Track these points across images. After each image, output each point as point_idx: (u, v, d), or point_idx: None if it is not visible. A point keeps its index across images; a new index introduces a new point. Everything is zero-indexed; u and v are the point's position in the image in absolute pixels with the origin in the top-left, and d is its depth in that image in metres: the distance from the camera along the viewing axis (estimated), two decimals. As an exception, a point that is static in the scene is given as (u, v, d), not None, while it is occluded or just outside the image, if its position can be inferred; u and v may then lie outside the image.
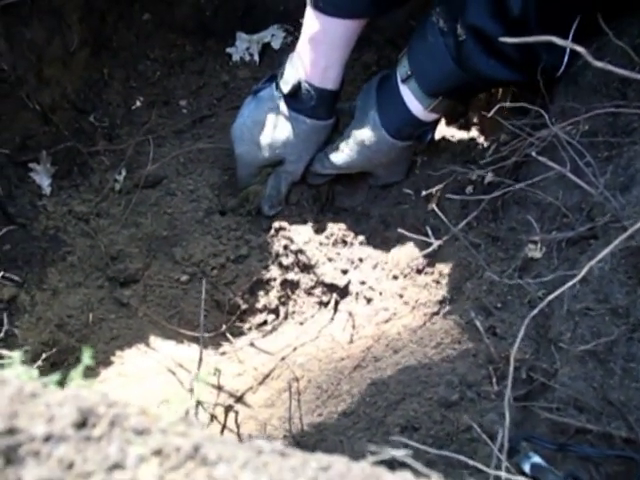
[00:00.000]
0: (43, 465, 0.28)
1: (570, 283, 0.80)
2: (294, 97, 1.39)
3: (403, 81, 1.32)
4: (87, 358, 0.41)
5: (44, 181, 1.48)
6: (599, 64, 0.90)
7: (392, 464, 0.43)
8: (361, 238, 1.45)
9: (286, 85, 1.38)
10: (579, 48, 0.91)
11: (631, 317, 0.95)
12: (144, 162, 1.53)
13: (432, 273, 1.32)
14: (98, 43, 1.57)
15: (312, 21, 1.32)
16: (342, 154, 1.41)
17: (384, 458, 0.36)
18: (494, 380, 1.06)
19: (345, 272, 1.40)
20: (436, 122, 1.39)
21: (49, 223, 1.44)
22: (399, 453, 0.36)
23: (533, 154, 1.06)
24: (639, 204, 0.99)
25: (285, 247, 1.40)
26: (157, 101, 1.63)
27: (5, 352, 0.93)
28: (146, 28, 1.64)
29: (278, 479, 0.33)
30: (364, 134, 1.37)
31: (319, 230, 1.44)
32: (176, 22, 1.68)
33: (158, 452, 0.31)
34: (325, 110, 1.41)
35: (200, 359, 0.98)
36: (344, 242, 1.45)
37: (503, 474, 0.69)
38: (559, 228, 1.15)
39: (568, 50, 1.13)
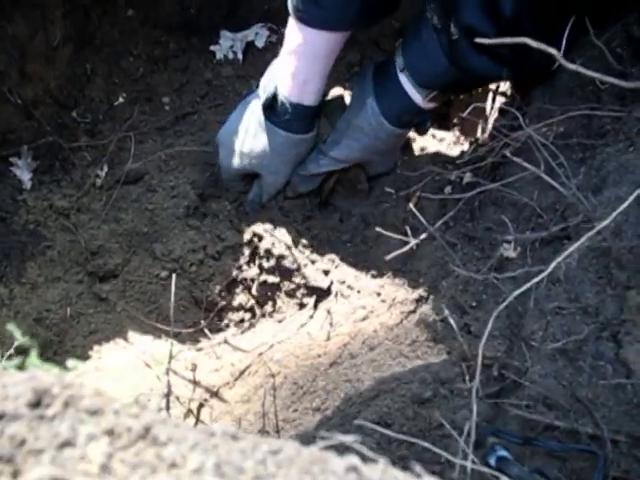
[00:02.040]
0: (-6, 442, 0.30)
1: (536, 279, 0.82)
2: (270, 108, 1.38)
3: (402, 70, 1.31)
4: (28, 342, 0.42)
5: (25, 175, 1.49)
6: (572, 66, 0.92)
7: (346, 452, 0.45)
8: (343, 237, 1.47)
9: (263, 95, 1.38)
10: (552, 50, 0.93)
11: (600, 316, 0.97)
12: (125, 158, 1.54)
13: (410, 272, 1.33)
14: (81, 39, 1.58)
15: (294, 33, 1.31)
16: (339, 145, 1.41)
17: (333, 443, 0.38)
18: (467, 377, 1.08)
19: (327, 273, 1.41)
20: (435, 110, 1.39)
21: (29, 217, 1.45)
22: (347, 439, 0.38)
23: (508, 155, 1.08)
24: (610, 205, 1.00)
25: (267, 250, 1.40)
26: (140, 98, 1.64)
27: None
28: (130, 24, 1.65)
29: (226, 460, 0.34)
30: (362, 122, 1.37)
31: (303, 231, 1.45)
32: (160, 19, 1.69)
33: (110, 432, 0.33)
34: (302, 124, 1.39)
35: (170, 353, 0.99)
36: (327, 242, 1.46)
37: (469, 464, 0.70)
38: (534, 228, 1.16)
39: (563, 48, 1.14)
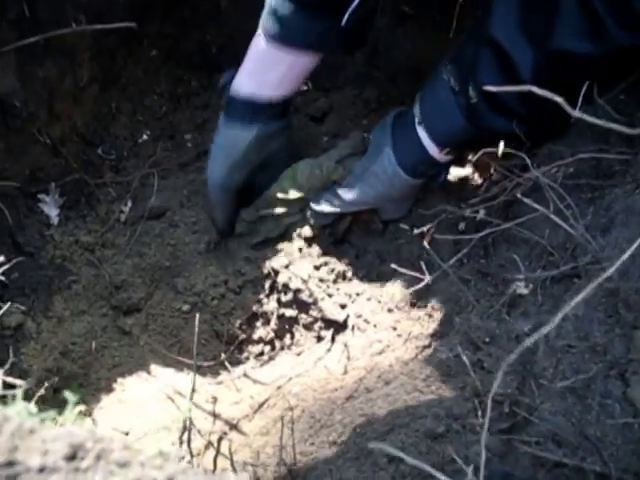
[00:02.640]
0: (37, 493, 0.34)
1: (546, 329, 0.85)
2: (223, 94, 1.44)
3: (420, 122, 1.35)
4: (72, 398, 0.47)
5: (52, 212, 1.54)
6: (576, 114, 0.96)
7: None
8: (359, 273, 1.51)
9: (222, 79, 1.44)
10: (557, 98, 0.97)
11: (608, 355, 1.00)
12: (149, 194, 1.60)
13: (425, 307, 1.37)
14: (107, 79, 1.65)
15: (256, 39, 1.38)
16: (354, 189, 1.44)
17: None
18: (479, 413, 1.11)
19: (344, 307, 1.45)
20: (450, 162, 1.42)
21: (56, 252, 1.50)
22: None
23: (518, 195, 1.12)
24: (617, 246, 1.04)
25: (285, 284, 1.45)
26: (163, 135, 1.71)
27: (11, 380, 0.98)
28: (153, 64, 1.72)
29: (240, 508, 0.38)
30: (378, 169, 1.40)
31: (320, 266, 1.49)
32: (182, 58, 1.76)
33: (137, 482, 0.37)
34: (240, 114, 1.42)
35: (193, 388, 1.03)
36: (344, 277, 1.50)
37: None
38: (545, 266, 1.20)
39: (579, 104, 1.17)
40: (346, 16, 1.28)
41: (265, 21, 1.34)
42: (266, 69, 1.39)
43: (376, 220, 1.52)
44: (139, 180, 1.62)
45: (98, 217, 1.58)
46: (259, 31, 1.37)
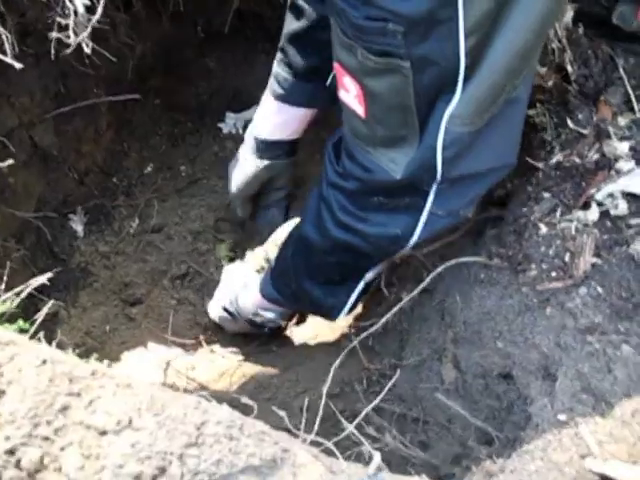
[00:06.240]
0: None
1: (402, 303, 1.47)
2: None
3: None
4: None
5: (79, 227, 2.12)
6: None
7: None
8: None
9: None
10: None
11: (436, 344, 1.61)
12: (152, 213, 2.19)
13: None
14: (120, 124, 2.23)
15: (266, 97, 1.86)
16: None
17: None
18: (364, 381, 1.73)
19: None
20: None
21: (81, 259, 2.08)
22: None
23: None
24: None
25: None
26: (163, 167, 2.28)
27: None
28: (156, 111, 2.32)
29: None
30: None
31: None
32: (179, 104, 2.34)
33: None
34: (257, 150, 1.91)
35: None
36: None
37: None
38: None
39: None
40: (330, 78, 1.66)
41: (271, 83, 1.80)
42: (274, 119, 1.86)
43: None
44: (144, 203, 2.20)
45: (113, 231, 2.16)
46: (267, 90, 1.83)
